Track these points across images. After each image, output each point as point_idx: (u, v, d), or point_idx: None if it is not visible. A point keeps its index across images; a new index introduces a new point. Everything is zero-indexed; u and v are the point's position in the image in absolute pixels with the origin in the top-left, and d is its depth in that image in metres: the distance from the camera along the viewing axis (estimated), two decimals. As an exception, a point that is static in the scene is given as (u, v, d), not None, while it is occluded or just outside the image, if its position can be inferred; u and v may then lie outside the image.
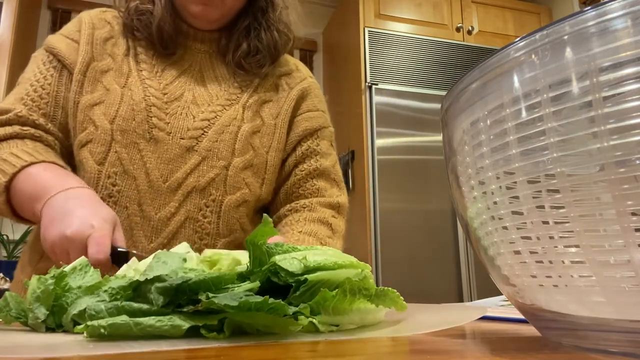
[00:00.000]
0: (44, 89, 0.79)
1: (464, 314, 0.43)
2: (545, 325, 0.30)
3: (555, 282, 0.27)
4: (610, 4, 0.23)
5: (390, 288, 0.39)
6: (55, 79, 0.80)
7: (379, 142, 2.51)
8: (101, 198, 0.72)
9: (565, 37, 0.24)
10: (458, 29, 2.89)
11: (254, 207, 0.86)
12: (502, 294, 0.55)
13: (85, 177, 0.75)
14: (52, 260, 0.77)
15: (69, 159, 0.79)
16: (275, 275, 0.36)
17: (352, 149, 2.67)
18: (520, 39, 0.27)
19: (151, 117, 0.78)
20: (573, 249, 0.25)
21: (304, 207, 0.87)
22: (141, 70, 0.82)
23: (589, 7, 0.24)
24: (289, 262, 0.35)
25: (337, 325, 0.36)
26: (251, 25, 0.87)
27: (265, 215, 0.37)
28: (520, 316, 0.34)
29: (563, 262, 0.26)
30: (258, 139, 0.85)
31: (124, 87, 0.79)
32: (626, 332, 0.24)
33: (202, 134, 0.80)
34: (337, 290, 0.35)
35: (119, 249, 0.62)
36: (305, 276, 0.35)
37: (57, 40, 0.83)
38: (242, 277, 0.37)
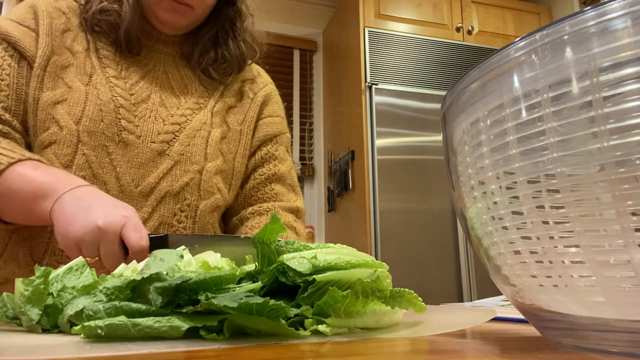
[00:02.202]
0: (2, 80, 0.73)
1: (476, 316, 0.43)
2: (545, 325, 0.30)
3: (555, 282, 0.27)
4: (610, 4, 0.23)
5: (407, 289, 0.37)
6: (14, 69, 0.74)
7: (379, 142, 2.51)
8: None
9: (565, 37, 0.24)
10: (458, 29, 2.88)
11: (223, 212, 0.87)
12: (502, 294, 0.55)
13: None
14: (6, 268, 0.74)
15: None
16: (283, 275, 0.35)
17: (352, 149, 2.67)
18: (520, 39, 0.27)
19: (120, 119, 0.75)
20: (573, 249, 0.25)
21: (267, 211, 0.88)
22: (105, 68, 0.78)
23: (589, 7, 0.24)
24: (298, 261, 0.34)
25: (347, 329, 0.35)
26: (219, 33, 0.87)
27: (273, 212, 0.37)
28: (521, 316, 0.34)
29: (563, 262, 0.26)
30: (225, 145, 0.85)
31: (87, 85, 0.75)
32: (626, 332, 0.24)
33: (174, 137, 0.79)
34: (347, 291, 0.33)
35: (157, 235, 0.61)
36: (314, 276, 0.34)
37: (11, 27, 0.76)
38: (251, 276, 0.37)
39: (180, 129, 0.80)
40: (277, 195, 0.90)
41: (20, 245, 0.74)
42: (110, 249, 0.58)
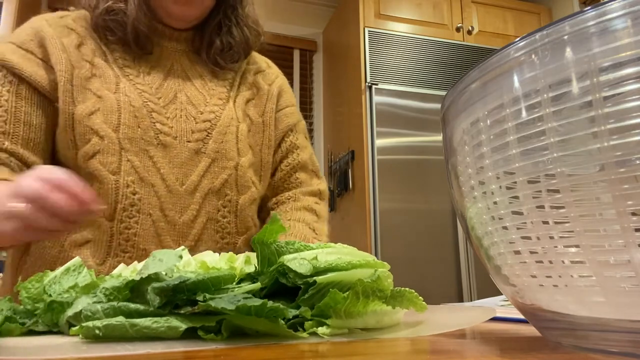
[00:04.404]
0: (0, 106, 0.74)
1: (475, 315, 0.43)
2: (545, 325, 0.30)
3: (555, 282, 0.27)
4: (610, 4, 0.23)
5: (407, 288, 0.37)
6: (13, 94, 0.75)
7: (379, 142, 2.51)
8: (123, 207, 0.73)
9: (565, 37, 0.24)
10: (458, 29, 2.88)
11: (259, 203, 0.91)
12: (502, 294, 0.54)
13: (102, 189, 0.73)
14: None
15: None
16: (284, 277, 0.34)
17: (352, 149, 2.67)
18: (520, 39, 0.26)
19: (154, 122, 0.78)
20: (573, 249, 0.25)
21: (289, 199, 0.93)
22: (128, 75, 0.80)
23: (589, 7, 0.24)
24: (298, 262, 0.34)
25: (347, 329, 0.34)
26: (222, 21, 0.89)
27: (273, 212, 0.37)
28: (521, 316, 0.34)
29: (563, 262, 0.26)
30: (252, 138, 0.89)
31: (116, 92, 0.77)
32: (626, 332, 0.24)
33: (207, 135, 0.81)
34: (348, 292, 0.33)
35: None
36: (315, 278, 0.34)
37: (10, 52, 0.77)
38: (251, 278, 0.36)
39: (211, 125, 0.83)
40: (302, 184, 0.95)
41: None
42: (29, 191, 0.55)
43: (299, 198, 0.92)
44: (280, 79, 1.00)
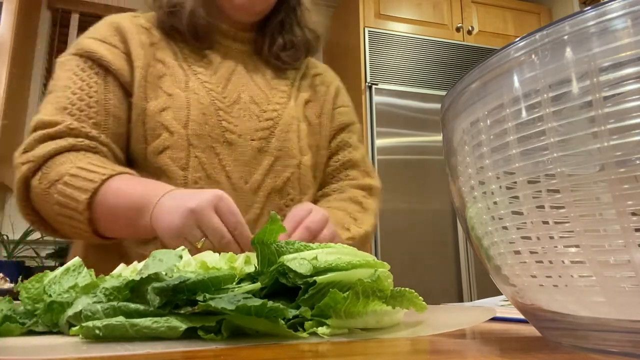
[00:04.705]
0: (90, 97, 0.75)
1: (476, 315, 0.43)
2: (545, 325, 0.30)
3: (555, 282, 0.27)
4: (610, 4, 0.23)
5: (407, 288, 0.37)
6: (101, 86, 0.77)
7: (379, 142, 2.51)
8: None
9: (565, 37, 0.24)
10: (458, 29, 2.88)
11: None
12: (502, 294, 0.55)
13: (170, 183, 0.72)
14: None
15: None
16: (284, 277, 0.34)
17: (352, 149, 2.67)
18: (520, 39, 0.26)
19: (221, 120, 0.79)
20: (573, 249, 0.25)
21: (335, 191, 0.91)
22: (196, 74, 0.82)
23: (589, 7, 0.24)
24: (298, 262, 0.34)
25: (347, 329, 0.34)
26: (284, 20, 0.91)
27: (272, 212, 0.37)
28: (520, 316, 0.34)
29: (563, 262, 0.26)
30: (310, 138, 0.89)
31: (185, 91, 0.79)
32: (626, 332, 0.24)
33: (270, 134, 0.82)
34: (348, 292, 0.33)
35: None
36: (315, 278, 0.34)
37: (95, 45, 0.78)
38: (251, 278, 0.36)
39: (274, 124, 0.83)
40: (352, 180, 0.93)
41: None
42: (210, 226, 0.58)
43: (345, 190, 0.91)
44: (337, 82, 1.01)
